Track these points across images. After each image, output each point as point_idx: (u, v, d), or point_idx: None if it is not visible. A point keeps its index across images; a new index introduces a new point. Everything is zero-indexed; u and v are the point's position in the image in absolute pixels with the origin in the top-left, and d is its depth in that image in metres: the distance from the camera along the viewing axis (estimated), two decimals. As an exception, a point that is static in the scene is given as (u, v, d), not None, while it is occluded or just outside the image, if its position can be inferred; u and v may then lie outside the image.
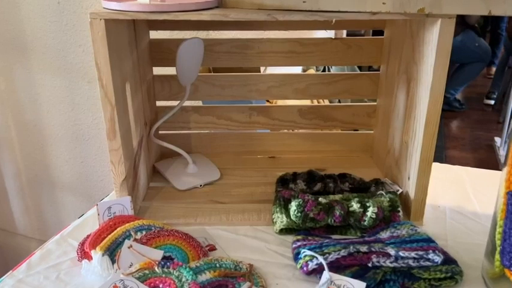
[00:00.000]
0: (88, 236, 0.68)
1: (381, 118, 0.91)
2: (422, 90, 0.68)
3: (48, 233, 1.57)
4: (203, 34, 0.88)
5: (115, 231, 0.67)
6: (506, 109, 3.03)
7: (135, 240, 0.65)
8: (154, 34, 0.89)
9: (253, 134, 0.97)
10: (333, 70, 1.58)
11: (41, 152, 1.44)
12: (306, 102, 1.23)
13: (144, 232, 0.67)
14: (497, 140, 3.02)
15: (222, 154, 0.97)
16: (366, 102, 0.97)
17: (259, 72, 1.09)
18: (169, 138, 0.95)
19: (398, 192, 0.77)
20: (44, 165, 1.46)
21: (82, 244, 0.67)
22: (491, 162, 2.92)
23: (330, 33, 1.87)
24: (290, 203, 0.72)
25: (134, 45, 0.77)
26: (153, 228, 0.69)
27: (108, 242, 0.65)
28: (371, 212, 0.70)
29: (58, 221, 1.55)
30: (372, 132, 0.96)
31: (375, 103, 0.94)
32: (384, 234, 0.67)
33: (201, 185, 0.84)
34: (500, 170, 0.59)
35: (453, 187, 0.87)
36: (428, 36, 0.65)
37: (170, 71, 0.88)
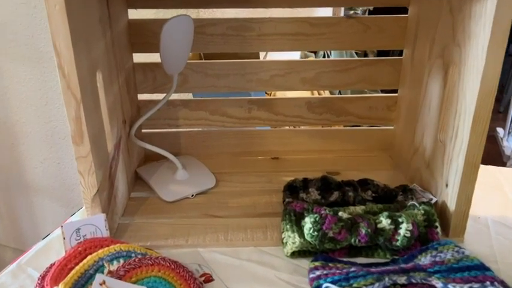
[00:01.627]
0: (51, 266, 0.54)
1: (403, 112, 0.77)
2: (470, 78, 0.54)
3: (24, 242, 1.42)
4: (193, 13, 0.73)
5: (84, 261, 0.53)
6: (508, 99, 2.92)
7: (110, 272, 0.51)
8: (134, 14, 0.74)
9: (253, 131, 0.83)
10: (332, 56, 1.44)
11: (11, 153, 1.28)
12: (307, 94, 1.09)
13: (121, 261, 0.53)
14: (500, 130, 2.92)
15: (217, 156, 0.83)
16: (376, 92, 0.83)
17: (259, 58, 0.95)
18: (153, 138, 0.81)
19: (432, 202, 0.64)
20: (16, 167, 1.31)
21: (42, 278, 0.53)
22: (493, 153, 2.82)
23: (327, 11, 1.72)
24: (303, 218, 0.59)
25: (108, 25, 0.62)
26: (133, 255, 0.54)
27: (75, 275, 0.51)
28: (404, 229, 0.56)
29: (35, 228, 1.40)
30: (392, 128, 0.83)
31: (396, 94, 0.80)
32: (424, 259, 0.54)
33: (192, 195, 0.70)
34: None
35: (491, 192, 0.74)
36: (478, 9, 0.52)
37: (154, 58, 0.73)
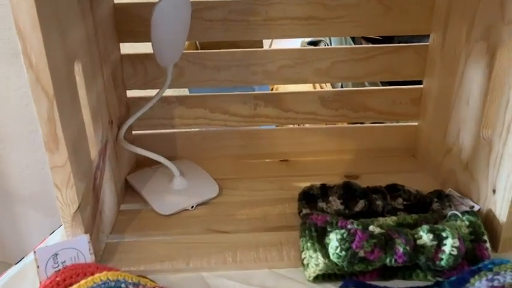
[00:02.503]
0: (22, 302, 0.44)
1: (431, 106, 0.68)
2: (528, 61, 0.45)
3: (8, 255, 1.31)
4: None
5: (63, 295, 0.43)
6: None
7: (94, 311, 0.41)
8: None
9: (259, 131, 0.73)
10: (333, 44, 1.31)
11: (-9, 158, 1.18)
12: (316, 87, 0.99)
13: (108, 294, 0.43)
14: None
15: (219, 159, 0.73)
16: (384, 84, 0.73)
17: (262, 47, 0.85)
18: (146, 140, 0.71)
19: (475, 210, 0.54)
20: (-3, 173, 1.20)
21: (11, 318, 0.43)
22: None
23: None
24: (327, 234, 0.49)
25: (88, 7, 0.52)
26: (123, 285, 0.44)
27: (51, 316, 0.41)
28: (450, 245, 0.47)
29: (19, 240, 1.29)
30: (417, 124, 0.73)
31: (420, 86, 0.71)
32: (479, 284, 0.44)
33: (192, 207, 0.60)
34: None
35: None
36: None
37: (144, 48, 0.63)
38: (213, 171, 0.69)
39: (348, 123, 0.75)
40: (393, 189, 0.59)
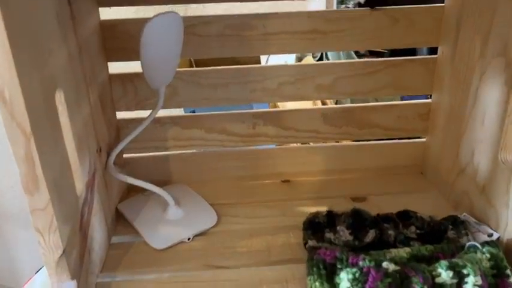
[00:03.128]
0: None
1: (441, 122, 0.64)
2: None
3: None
4: (180, 9, 0.59)
5: None
6: None
7: None
8: (107, 12, 0.59)
9: (259, 151, 0.69)
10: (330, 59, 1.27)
11: (-25, 177, 1.13)
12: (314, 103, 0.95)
13: None
14: None
15: (216, 182, 0.69)
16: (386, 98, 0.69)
17: (259, 63, 0.81)
18: (138, 164, 0.67)
19: (494, 238, 0.51)
20: (-17, 192, 1.15)
21: None
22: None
23: (320, 3, 1.56)
24: (337, 272, 0.45)
25: (70, 26, 0.47)
26: None
27: None
28: (472, 284, 0.43)
29: (9, 262, 1.24)
30: (425, 140, 0.69)
31: (428, 100, 0.67)
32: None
33: (189, 239, 0.56)
34: None
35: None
36: None
37: (133, 66, 0.59)
38: (211, 196, 0.65)
39: (352, 141, 0.71)
40: (405, 217, 0.55)
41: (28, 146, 0.37)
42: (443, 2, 0.61)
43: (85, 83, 0.51)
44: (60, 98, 0.43)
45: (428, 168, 0.69)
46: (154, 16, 0.46)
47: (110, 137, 0.60)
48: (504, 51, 0.48)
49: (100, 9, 0.58)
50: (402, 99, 0.82)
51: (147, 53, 0.48)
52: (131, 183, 0.56)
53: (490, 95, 0.51)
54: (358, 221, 0.53)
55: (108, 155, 0.57)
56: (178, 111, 0.77)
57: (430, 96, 0.66)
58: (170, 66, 0.53)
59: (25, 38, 0.36)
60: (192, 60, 0.89)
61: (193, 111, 0.83)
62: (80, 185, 0.47)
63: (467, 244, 0.48)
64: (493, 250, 0.47)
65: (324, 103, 0.87)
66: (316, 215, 0.56)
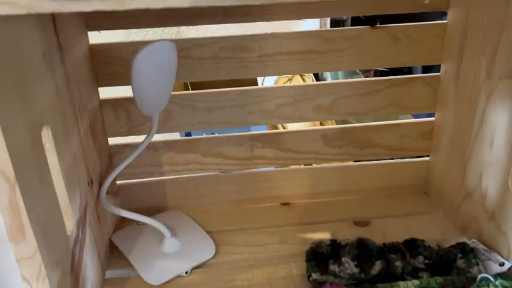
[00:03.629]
0: None
1: (445, 141, 0.62)
2: None
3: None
4: (172, 31, 0.57)
5: None
6: None
7: None
8: (97, 37, 0.57)
9: (257, 173, 0.66)
10: (328, 77, 1.21)
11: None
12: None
13: None
14: None
15: (214, 207, 0.66)
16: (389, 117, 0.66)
17: (257, 85, 0.78)
18: (132, 190, 0.64)
19: (505, 268, 0.48)
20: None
21: None
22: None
23: (313, 24, 1.54)
24: (343, 311, 0.43)
25: (58, 58, 0.45)
26: None
27: None
28: (486, 322, 0.41)
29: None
30: (428, 159, 0.67)
31: (431, 119, 0.65)
32: None
33: (187, 272, 0.53)
34: None
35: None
36: None
37: (126, 91, 0.57)
38: (208, 222, 0.62)
39: (354, 162, 0.69)
40: (412, 246, 0.52)
41: (13, 194, 0.34)
42: (445, 19, 0.59)
43: (74, 114, 0.48)
44: (47, 135, 0.41)
45: (432, 188, 0.67)
46: (144, 46, 0.43)
47: (102, 166, 0.57)
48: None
49: (89, 33, 0.56)
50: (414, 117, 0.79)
51: (139, 83, 0.46)
52: (125, 216, 0.53)
53: (499, 118, 0.49)
54: (363, 251, 0.51)
55: (100, 185, 0.55)
56: (173, 135, 0.75)
57: (433, 114, 0.64)
58: (163, 94, 0.51)
59: (7, 81, 0.34)
60: (188, 83, 0.87)
61: (189, 134, 0.81)
62: (70, 224, 0.45)
63: (479, 276, 0.46)
64: (506, 283, 0.45)
65: (322, 124, 0.85)
66: (319, 244, 0.54)
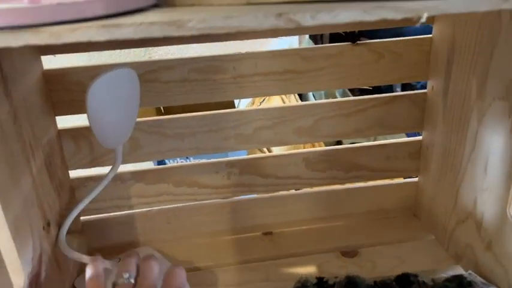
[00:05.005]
0: None
1: (435, 162, 0.58)
2: None
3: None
4: (141, 51, 0.52)
5: None
6: None
7: None
8: (54, 61, 0.51)
9: (235, 202, 0.61)
10: (312, 97, 1.13)
11: None
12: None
13: None
14: None
15: (189, 240, 0.61)
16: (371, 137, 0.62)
17: (234, 107, 0.74)
18: (98, 227, 0.59)
19: (506, 304, 0.45)
20: None
21: None
22: None
23: (291, 40, 1.48)
24: None
25: (4, 91, 0.39)
26: None
27: None
28: None
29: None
30: (416, 180, 0.63)
31: (418, 138, 0.61)
32: None
33: (160, 321, 0.48)
34: None
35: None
36: None
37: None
38: (184, 259, 0.57)
39: (340, 185, 0.65)
40: (405, 282, 0.48)
41: None
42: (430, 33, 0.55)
43: (24, 151, 0.43)
44: (-13, 183, 0.35)
45: (422, 211, 0.63)
46: (98, 76, 0.38)
47: (62, 203, 0.51)
48: (506, 94, 0.43)
49: (43, 58, 0.50)
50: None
51: (95, 115, 0.40)
52: (87, 262, 0.48)
53: (493, 142, 0.45)
54: (352, 291, 0.46)
55: (59, 228, 0.49)
56: (142, 165, 0.69)
57: (419, 133, 0.61)
58: (126, 125, 0.46)
59: None
60: (162, 107, 0.82)
61: (163, 162, 0.75)
62: (20, 281, 0.39)
63: (479, 316, 0.42)
64: (509, 324, 0.41)
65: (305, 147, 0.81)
66: (304, 283, 0.49)
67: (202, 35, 0.50)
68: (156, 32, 0.25)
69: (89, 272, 0.40)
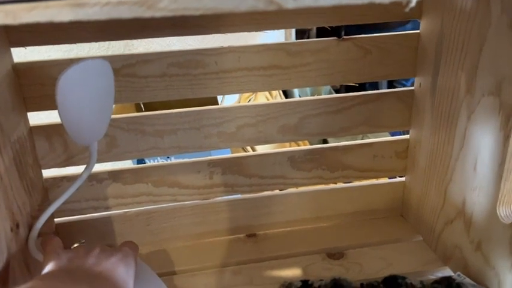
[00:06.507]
0: None
1: (422, 161, 0.57)
2: None
3: None
4: (120, 45, 0.49)
5: None
6: None
7: None
8: (29, 54, 0.49)
9: (218, 203, 0.59)
10: (297, 94, 1.11)
11: None
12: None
13: None
14: None
15: (170, 243, 0.59)
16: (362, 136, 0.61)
17: (217, 104, 0.72)
18: (73, 229, 0.56)
19: (496, 306, 0.43)
20: None
21: None
22: None
23: (278, 35, 1.47)
24: None
25: (-37, 82, 0.36)
26: None
27: None
28: None
29: None
30: (403, 180, 0.62)
31: (406, 136, 0.60)
32: None
33: (136, 328, 0.45)
34: None
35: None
36: None
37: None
38: (164, 263, 0.55)
39: (325, 185, 0.63)
40: (393, 284, 0.47)
41: None
42: (408, 29, 0.54)
43: (-9, 148, 0.40)
44: None
45: (410, 211, 0.61)
46: (68, 67, 0.36)
47: (33, 204, 0.49)
48: (496, 90, 0.41)
49: (13, 50, 0.47)
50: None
51: (66, 109, 0.38)
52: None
53: (482, 139, 0.44)
54: (339, 294, 0.45)
55: (30, 230, 0.46)
56: (120, 163, 0.67)
57: (407, 132, 0.59)
58: (100, 120, 0.43)
59: None
60: (142, 104, 0.79)
61: (142, 161, 0.73)
62: (-18, 287, 0.36)
63: (469, 319, 0.41)
64: (500, 327, 0.39)
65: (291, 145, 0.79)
66: (289, 286, 0.47)
67: (181, 26, 0.48)
68: (125, 13, 0.23)
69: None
